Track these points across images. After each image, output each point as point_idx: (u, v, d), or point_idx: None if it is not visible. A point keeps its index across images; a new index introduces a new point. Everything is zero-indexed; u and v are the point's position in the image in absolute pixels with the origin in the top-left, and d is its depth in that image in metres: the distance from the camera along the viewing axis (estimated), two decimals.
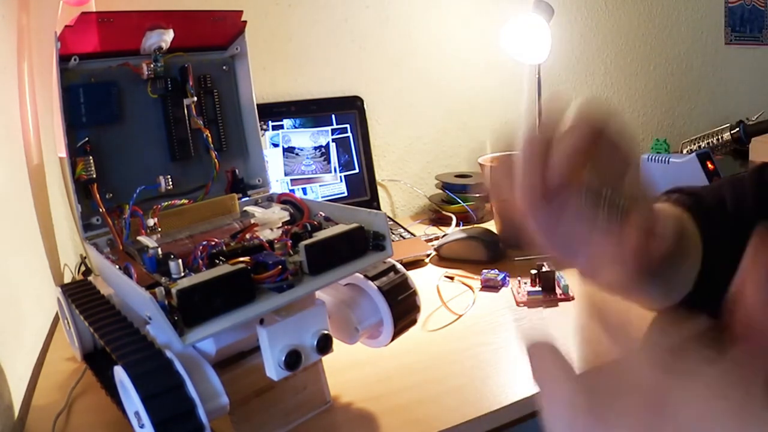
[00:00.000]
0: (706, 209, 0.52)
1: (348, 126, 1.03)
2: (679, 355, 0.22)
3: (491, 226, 0.93)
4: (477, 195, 1.02)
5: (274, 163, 0.97)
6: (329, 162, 1.02)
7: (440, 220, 1.03)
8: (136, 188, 0.52)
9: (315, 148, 1.01)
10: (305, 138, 1.00)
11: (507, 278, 0.75)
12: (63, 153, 0.50)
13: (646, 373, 0.23)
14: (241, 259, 0.44)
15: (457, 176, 1.07)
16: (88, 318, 0.48)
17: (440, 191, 1.07)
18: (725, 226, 0.51)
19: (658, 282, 0.47)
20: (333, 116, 1.03)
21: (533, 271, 0.72)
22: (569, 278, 0.72)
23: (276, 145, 0.98)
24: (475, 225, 0.97)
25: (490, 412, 0.49)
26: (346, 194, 1.03)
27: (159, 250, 0.47)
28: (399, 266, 0.53)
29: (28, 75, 0.74)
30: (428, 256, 0.86)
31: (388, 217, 1.02)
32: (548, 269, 0.70)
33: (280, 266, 0.43)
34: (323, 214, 0.53)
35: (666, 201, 0.52)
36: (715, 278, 0.50)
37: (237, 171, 0.61)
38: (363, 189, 1.04)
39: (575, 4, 1.31)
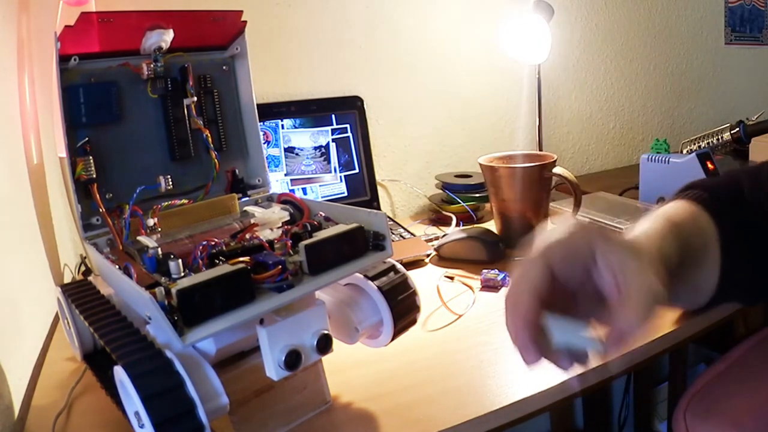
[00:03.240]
0: (722, 203, 0.53)
1: (348, 126, 1.03)
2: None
3: (491, 226, 0.93)
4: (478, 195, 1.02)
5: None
6: (329, 162, 1.02)
7: (440, 220, 1.03)
8: (136, 188, 0.52)
9: (315, 148, 1.01)
10: (305, 138, 1.00)
11: (507, 278, 0.75)
12: (63, 153, 0.50)
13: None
14: (241, 259, 0.44)
15: (457, 176, 1.07)
16: (88, 318, 0.48)
17: (440, 191, 1.07)
18: (743, 216, 0.52)
19: (683, 290, 0.48)
20: (333, 116, 1.03)
21: None
22: None
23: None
24: (475, 225, 0.97)
25: (490, 412, 0.49)
26: (346, 194, 1.03)
27: (159, 250, 0.47)
28: (399, 266, 0.53)
29: (28, 75, 0.74)
30: (428, 256, 0.86)
31: (388, 217, 1.02)
32: None
33: (280, 266, 0.43)
34: (323, 214, 0.53)
35: (683, 197, 0.53)
36: (739, 267, 0.50)
37: (237, 171, 0.61)
38: (363, 189, 1.04)
39: (575, 4, 1.32)
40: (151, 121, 0.56)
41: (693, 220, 0.50)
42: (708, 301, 0.52)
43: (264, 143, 0.71)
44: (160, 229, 0.53)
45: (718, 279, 0.51)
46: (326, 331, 0.44)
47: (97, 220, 0.52)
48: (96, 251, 0.49)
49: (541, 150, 1.22)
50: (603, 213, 0.90)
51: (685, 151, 1.15)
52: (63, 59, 0.50)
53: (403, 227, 0.97)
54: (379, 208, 1.05)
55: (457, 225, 0.98)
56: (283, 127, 0.99)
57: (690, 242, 0.48)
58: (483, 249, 0.83)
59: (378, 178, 1.08)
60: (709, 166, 0.91)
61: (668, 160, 0.96)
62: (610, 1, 1.36)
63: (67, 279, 0.79)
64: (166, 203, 0.54)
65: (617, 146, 1.44)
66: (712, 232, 0.51)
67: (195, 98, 0.57)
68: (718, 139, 1.10)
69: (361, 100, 1.05)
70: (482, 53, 1.20)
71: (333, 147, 1.02)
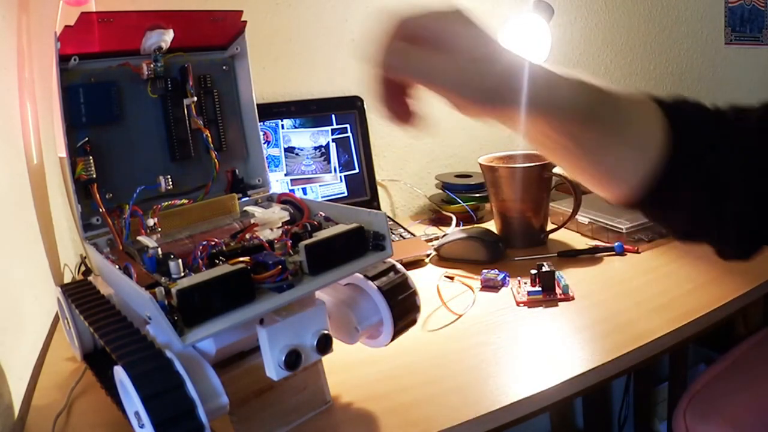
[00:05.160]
0: (686, 115, 0.45)
1: (348, 126, 1.03)
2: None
3: (491, 226, 0.93)
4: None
5: None
6: (329, 162, 1.02)
7: (440, 220, 1.03)
8: (136, 188, 0.52)
9: (315, 148, 1.01)
10: (305, 138, 1.00)
11: (507, 278, 0.75)
12: (63, 153, 0.50)
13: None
14: (241, 259, 0.44)
15: (457, 176, 1.07)
16: (88, 318, 0.48)
17: (440, 191, 1.07)
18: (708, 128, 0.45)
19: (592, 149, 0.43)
20: (333, 116, 1.03)
21: (533, 271, 0.72)
22: (569, 278, 0.72)
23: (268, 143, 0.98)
24: (475, 225, 0.97)
25: (490, 412, 0.49)
26: (346, 194, 1.03)
27: (159, 250, 0.47)
28: (399, 266, 0.53)
29: (28, 75, 0.74)
30: (428, 256, 0.86)
31: (388, 217, 1.02)
32: (548, 269, 0.70)
33: (280, 266, 0.43)
34: (323, 214, 0.53)
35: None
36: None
37: (237, 171, 0.61)
38: (363, 189, 1.04)
39: (575, 4, 1.32)
40: (151, 121, 0.56)
41: (637, 101, 0.44)
42: (637, 194, 0.44)
43: (264, 143, 0.71)
44: (160, 229, 0.53)
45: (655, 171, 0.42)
46: (326, 331, 0.44)
47: (97, 220, 0.52)
48: (96, 251, 0.49)
49: None
50: (603, 213, 0.90)
51: None
52: (63, 59, 0.50)
53: (403, 227, 0.97)
54: (379, 208, 1.05)
55: (457, 225, 0.98)
56: (283, 127, 0.99)
57: (611, 105, 0.43)
58: (483, 249, 0.83)
59: (378, 178, 1.08)
60: None
61: None
62: (610, 1, 1.36)
63: (67, 279, 0.79)
64: (166, 203, 0.54)
65: None
66: (656, 122, 0.43)
67: (195, 98, 0.57)
68: None
69: (361, 100, 1.05)
70: None
71: (333, 147, 1.02)
